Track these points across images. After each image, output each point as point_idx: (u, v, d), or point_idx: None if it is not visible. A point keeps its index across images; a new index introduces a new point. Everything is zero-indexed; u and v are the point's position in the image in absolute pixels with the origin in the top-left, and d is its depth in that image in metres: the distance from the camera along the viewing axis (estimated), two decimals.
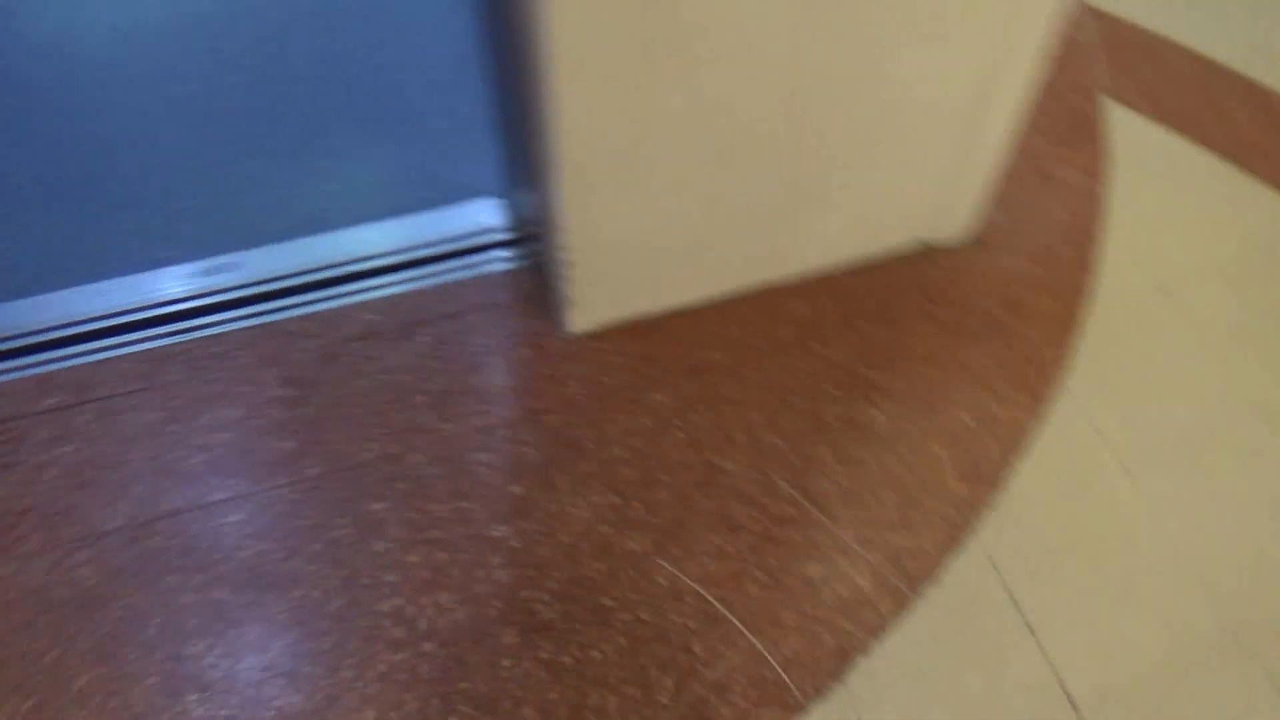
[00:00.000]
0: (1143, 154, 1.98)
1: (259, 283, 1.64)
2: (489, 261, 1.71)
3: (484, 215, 1.75)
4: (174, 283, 1.63)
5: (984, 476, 1.49)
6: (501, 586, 1.34)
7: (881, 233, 1.72)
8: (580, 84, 1.21)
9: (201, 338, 1.58)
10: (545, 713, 1.23)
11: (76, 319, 1.58)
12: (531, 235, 1.67)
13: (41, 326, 1.57)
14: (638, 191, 1.40)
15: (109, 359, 1.55)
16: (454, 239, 1.72)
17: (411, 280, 1.67)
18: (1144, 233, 1.83)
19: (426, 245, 1.71)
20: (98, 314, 1.58)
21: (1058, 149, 1.97)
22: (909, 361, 1.61)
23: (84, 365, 1.54)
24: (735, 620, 1.33)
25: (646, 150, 1.34)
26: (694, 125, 1.33)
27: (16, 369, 1.53)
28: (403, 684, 1.25)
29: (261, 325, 1.60)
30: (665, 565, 1.37)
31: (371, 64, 1.94)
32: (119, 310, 1.59)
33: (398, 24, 1.98)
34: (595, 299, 1.57)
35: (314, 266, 1.67)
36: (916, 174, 1.61)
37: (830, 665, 1.30)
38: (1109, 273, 1.75)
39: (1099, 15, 2.29)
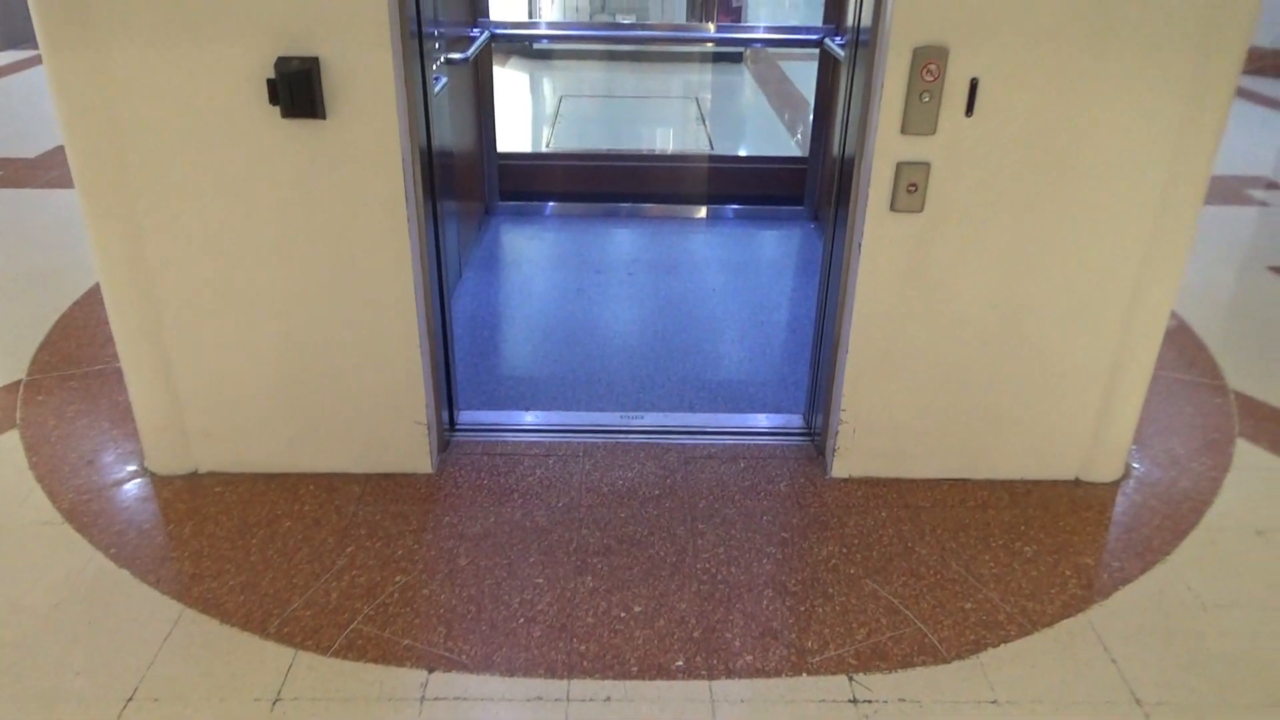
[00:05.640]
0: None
1: (655, 427, 2.84)
2: (786, 438, 2.79)
3: (787, 419, 2.88)
4: (611, 418, 2.88)
5: (1097, 590, 2.21)
6: (767, 573, 2.25)
7: (1046, 462, 2.61)
8: (867, 311, 2.39)
9: (620, 441, 2.76)
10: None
11: (572, 425, 2.85)
12: (812, 432, 2.76)
13: (557, 426, 2.85)
14: (889, 383, 2.49)
15: (574, 441, 2.76)
16: (768, 428, 2.85)
17: (740, 438, 2.79)
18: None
19: (750, 428, 2.85)
20: (581, 423, 2.85)
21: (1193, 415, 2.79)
22: (1054, 529, 2.42)
23: (559, 441, 2.76)
24: (910, 614, 2.12)
25: (899, 356, 2.45)
26: (928, 342, 2.44)
27: (539, 435, 2.79)
28: (685, 594, 2.16)
29: (652, 443, 2.76)
30: (870, 583, 2.22)
31: (755, 353, 3.29)
32: (586, 424, 2.85)
33: (768, 337, 3.35)
34: (852, 455, 2.59)
35: (685, 426, 2.85)
36: (1068, 422, 2.55)
37: (969, 647, 2.04)
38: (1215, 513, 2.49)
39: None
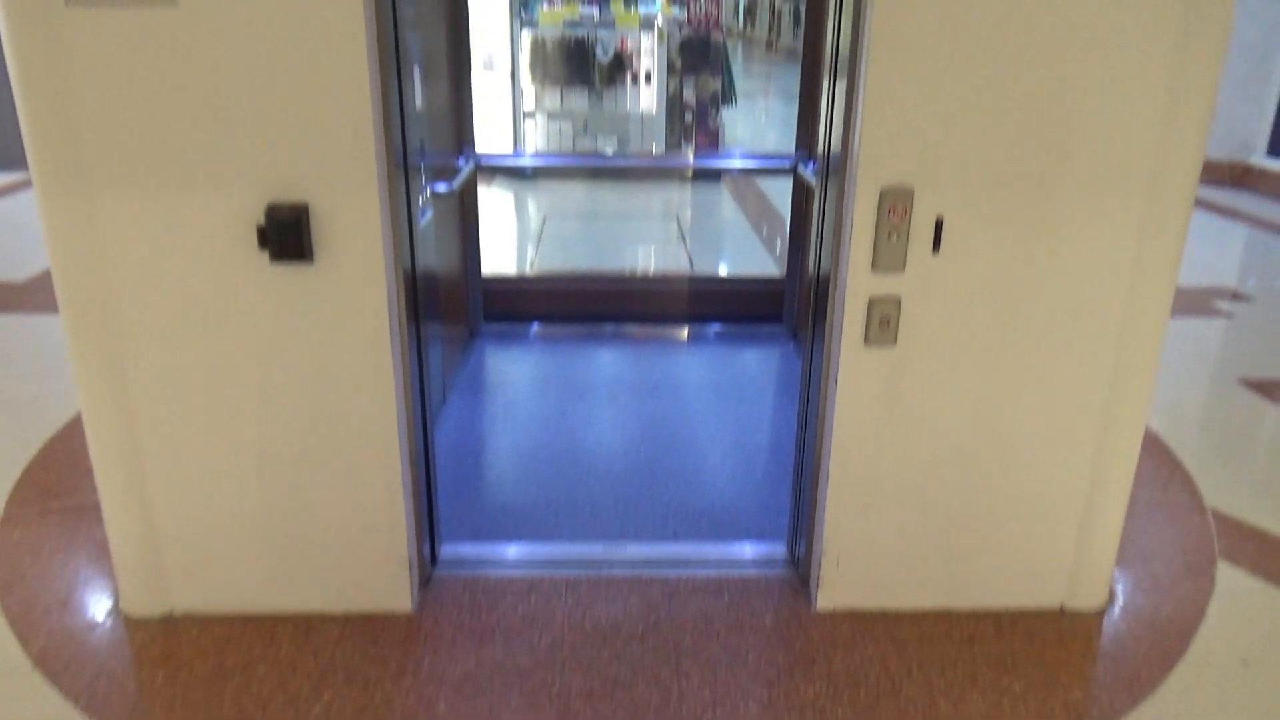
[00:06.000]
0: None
1: (639, 558, 2.83)
2: (770, 569, 2.78)
3: (770, 548, 2.88)
4: (595, 549, 2.87)
5: None
6: (753, 717, 2.21)
7: (1031, 590, 2.61)
8: (845, 442, 2.42)
9: (604, 575, 2.74)
10: None
11: (555, 557, 2.84)
12: (796, 561, 2.75)
13: (539, 559, 2.83)
14: (871, 513, 2.50)
15: (557, 575, 2.74)
16: (752, 558, 2.84)
17: (724, 570, 2.77)
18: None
19: (734, 558, 2.84)
20: (564, 556, 2.83)
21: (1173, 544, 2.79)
22: (1042, 662, 2.40)
23: (542, 575, 2.74)
24: None
25: (879, 486, 2.47)
26: (907, 471, 2.46)
27: (522, 570, 2.76)
28: None
29: (636, 575, 2.74)
30: None
31: (738, 477, 3.30)
32: (569, 556, 2.83)
33: (750, 467, 3.38)
34: (836, 586, 2.58)
35: (668, 556, 2.84)
36: (1050, 549, 2.56)
37: None
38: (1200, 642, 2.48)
39: None
